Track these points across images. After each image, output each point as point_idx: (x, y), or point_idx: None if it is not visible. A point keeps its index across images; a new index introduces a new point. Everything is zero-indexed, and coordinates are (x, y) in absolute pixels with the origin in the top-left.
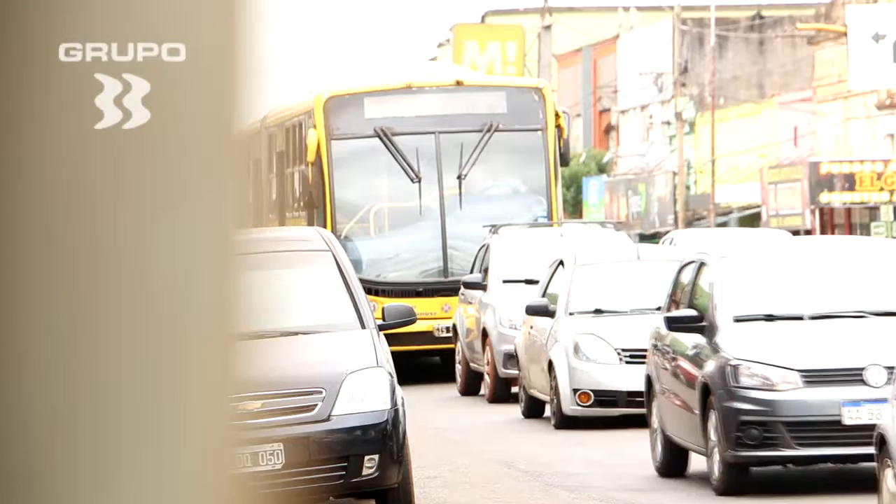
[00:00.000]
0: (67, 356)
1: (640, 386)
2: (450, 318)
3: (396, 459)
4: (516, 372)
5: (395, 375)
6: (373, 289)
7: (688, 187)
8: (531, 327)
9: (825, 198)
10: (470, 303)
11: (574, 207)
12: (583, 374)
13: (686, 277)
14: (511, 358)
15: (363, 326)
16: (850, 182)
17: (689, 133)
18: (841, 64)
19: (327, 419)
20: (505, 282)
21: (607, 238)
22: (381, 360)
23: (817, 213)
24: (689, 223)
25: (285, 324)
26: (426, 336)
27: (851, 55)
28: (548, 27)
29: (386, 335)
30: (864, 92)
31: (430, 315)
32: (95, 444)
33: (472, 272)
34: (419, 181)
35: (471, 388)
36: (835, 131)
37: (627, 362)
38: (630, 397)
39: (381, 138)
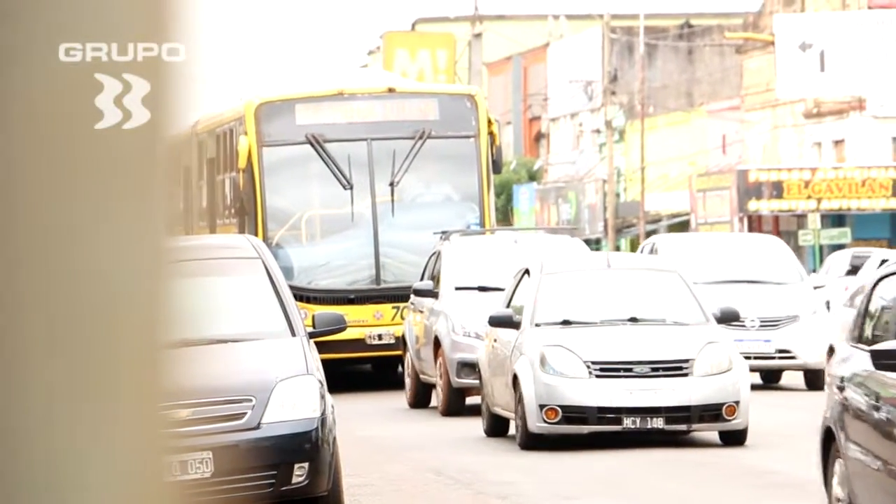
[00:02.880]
0: None
1: (612, 401)
2: (382, 325)
3: (326, 467)
4: (470, 382)
5: (325, 383)
6: (304, 296)
7: (617, 195)
8: (494, 340)
9: (753, 206)
10: (420, 311)
11: (504, 215)
12: (550, 388)
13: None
14: (465, 367)
15: (293, 334)
16: (777, 190)
17: (619, 141)
18: (769, 73)
19: (257, 427)
20: (457, 289)
21: (563, 245)
22: (311, 368)
23: (745, 220)
24: (618, 231)
25: (215, 332)
26: (358, 343)
27: (779, 64)
28: (478, 35)
29: (317, 343)
30: (791, 101)
31: (362, 322)
32: (21, 452)
33: (422, 279)
34: (351, 188)
35: (420, 399)
36: (763, 140)
37: (598, 376)
38: (601, 413)
39: (312, 145)
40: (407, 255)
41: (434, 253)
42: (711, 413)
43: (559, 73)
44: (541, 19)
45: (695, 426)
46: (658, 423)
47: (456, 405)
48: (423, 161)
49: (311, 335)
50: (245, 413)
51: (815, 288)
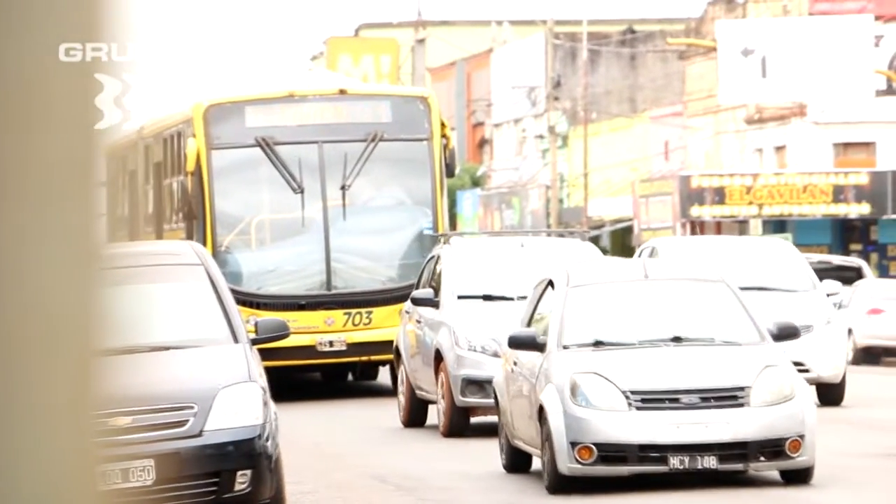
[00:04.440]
0: None
1: (656, 437)
2: (333, 331)
3: (269, 474)
4: (476, 400)
5: (268, 390)
6: (254, 302)
7: (561, 201)
8: (514, 363)
9: (696, 211)
10: (418, 321)
11: (448, 221)
12: (582, 423)
13: None
14: (471, 384)
15: (236, 341)
16: (720, 196)
17: (562, 147)
18: (711, 79)
19: (199, 434)
20: (460, 297)
21: (575, 250)
22: (253, 375)
23: (688, 226)
24: (560, 236)
25: (156, 339)
26: (308, 350)
27: (721, 70)
28: (421, 41)
29: (265, 350)
30: (733, 106)
31: (312, 329)
32: None
33: (417, 286)
34: (302, 192)
35: (416, 418)
36: (705, 145)
37: (638, 408)
38: (643, 452)
39: (262, 148)
40: (358, 260)
41: (432, 257)
42: (772, 449)
43: (502, 78)
44: (484, 25)
45: (753, 465)
46: (710, 462)
47: (459, 426)
48: (375, 164)
49: (253, 342)
50: (187, 420)
51: (829, 296)
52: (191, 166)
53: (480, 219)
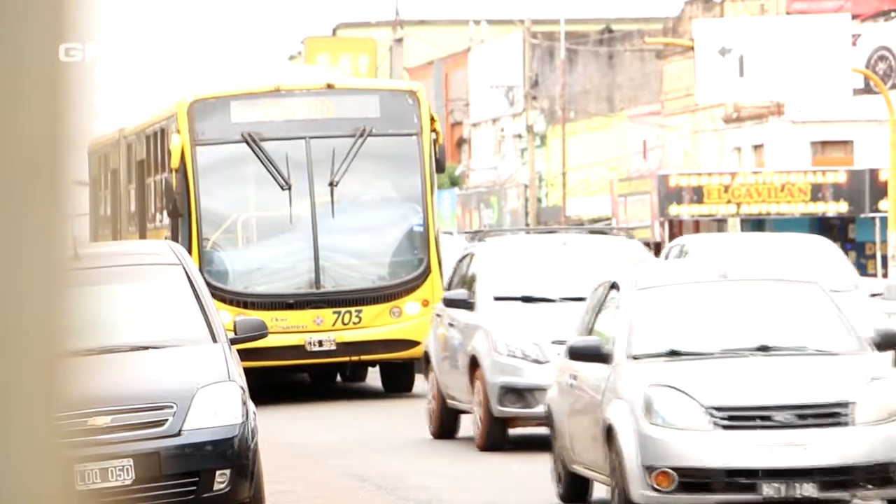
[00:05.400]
0: None
1: (745, 461)
2: (322, 331)
3: (248, 474)
4: (515, 410)
5: (246, 389)
6: (241, 301)
7: (539, 200)
8: (573, 377)
9: (674, 210)
10: (450, 324)
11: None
12: (659, 444)
13: None
14: (509, 393)
15: (214, 340)
16: (698, 195)
17: (541, 146)
18: (688, 78)
19: (178, 434)
20: (497, 299)
21: (622, 248)
22: (232, 374)
23: (666, 225)
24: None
25: (135, 338)
26: (297, 350)
27: (698, 69)
28: (399, 40)
29: (254, 349)
30: (711, 105)
31: (301, 328)
32: None
33: (449, 287)
34: (289, 189)
35: (447, 429)
36: (683, 144)
37: (724, 427)
38: (731, 478)
39: (248, 144)
40: (347, 258)
41: (465, 256)
42: (881, 475)
43: (480, 78)
44: (462, 24)
45: (858, 493)
46: (809, 489)
47: (497, 438)
48: (364, 160)
49: (232, 341)
50: (166, 420)
51: (872, 296)
52: (175, 163)
53: (459, 218)
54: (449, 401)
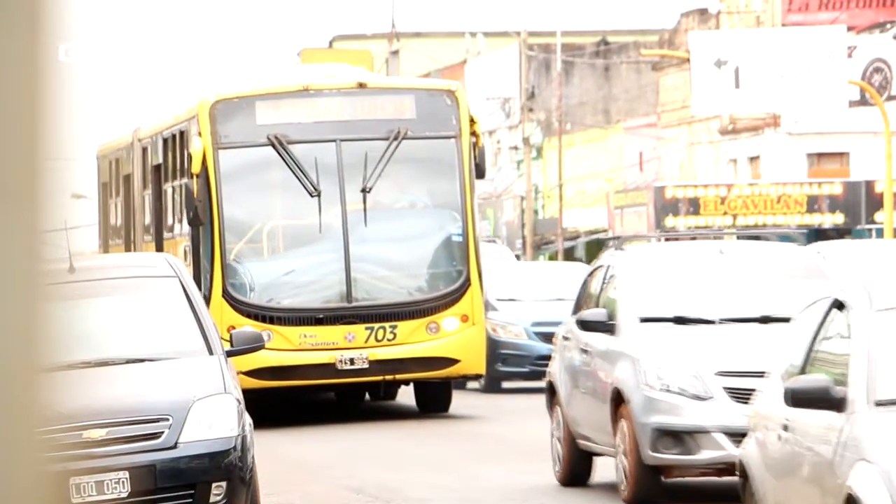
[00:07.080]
0: None
1: None
2: (354, 348)
3: (244, 486)
4: (672, 457)
5: (242, 402)
6: (266, 315)
7: (536, 212)
8: (784, 427)
9: (670, 222)
10: (584, 350)
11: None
12: None
13: None
14: (664, 436)
15: (210, 353)
16: (694, 206)
17: (537, 158)
18: (684, 90)
19: (174, 446)
20: (644, 320)
21: (794, 258)
22: (228, 387)
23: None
24: (536, 247)
25: (131, 351)
26: (327, 369)
27: (694, 81)
28: (395, 52)
29: (282, 368)
30: (707, 117)
31: (331, 345)
32: None
33: (577, 306)
34: (318, 195)
35: (577, 474)
36: (679, 156)
37: None
38: None
39: (275, 147)
40: (381, 269)
41: (598, 267)
42: None
43: (476, 90)
44: (458, 36)
45: None
46: None
47: (649, 489)
48: (399, 164)
49: (228, 353)
50: (162, 432)
51: None
52: (196, 168)
53: None
54: (580, 442)
